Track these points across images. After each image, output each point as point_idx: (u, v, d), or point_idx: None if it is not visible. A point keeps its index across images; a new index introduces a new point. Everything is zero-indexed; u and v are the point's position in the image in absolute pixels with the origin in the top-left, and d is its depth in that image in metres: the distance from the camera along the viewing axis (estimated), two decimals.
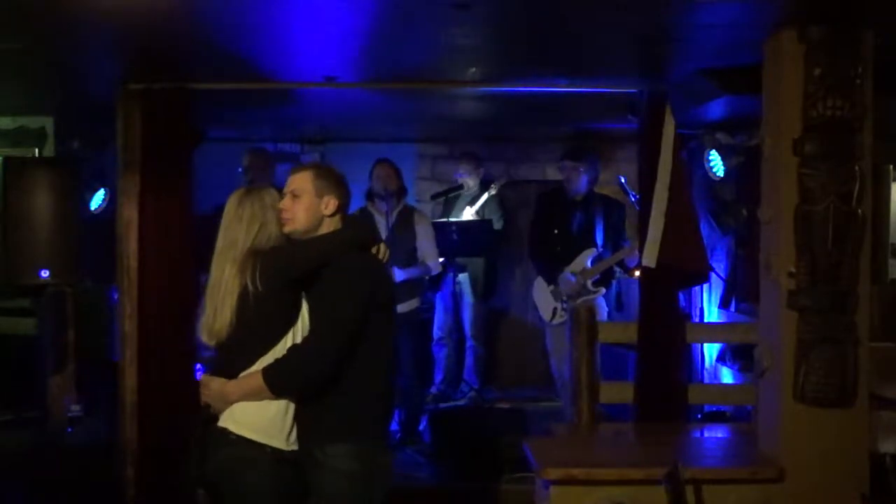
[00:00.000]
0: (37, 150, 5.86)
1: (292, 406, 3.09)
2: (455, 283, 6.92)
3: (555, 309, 6.12)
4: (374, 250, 3.20)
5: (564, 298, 6.05)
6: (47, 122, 5.90)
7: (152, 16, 3.62)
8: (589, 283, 6.09)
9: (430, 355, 7.07)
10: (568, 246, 6.18)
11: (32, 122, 5.88)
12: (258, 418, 3.06)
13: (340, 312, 3.04)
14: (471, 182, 7.19)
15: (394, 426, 6.07)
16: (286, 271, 3.09)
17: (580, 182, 6.18)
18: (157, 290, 4.82)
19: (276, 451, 3.07)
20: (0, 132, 5.88)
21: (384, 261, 3.22)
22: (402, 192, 6.10)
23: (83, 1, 3.42)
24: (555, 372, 6.34)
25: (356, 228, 3.27)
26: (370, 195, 6.07)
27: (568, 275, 6.07)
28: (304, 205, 3.16)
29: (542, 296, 6.23)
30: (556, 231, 6.24)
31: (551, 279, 6.16)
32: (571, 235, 6.20)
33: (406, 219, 6.02)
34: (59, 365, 5.64)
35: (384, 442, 3.21)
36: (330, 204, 3.18)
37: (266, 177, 6.35)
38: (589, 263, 6.14)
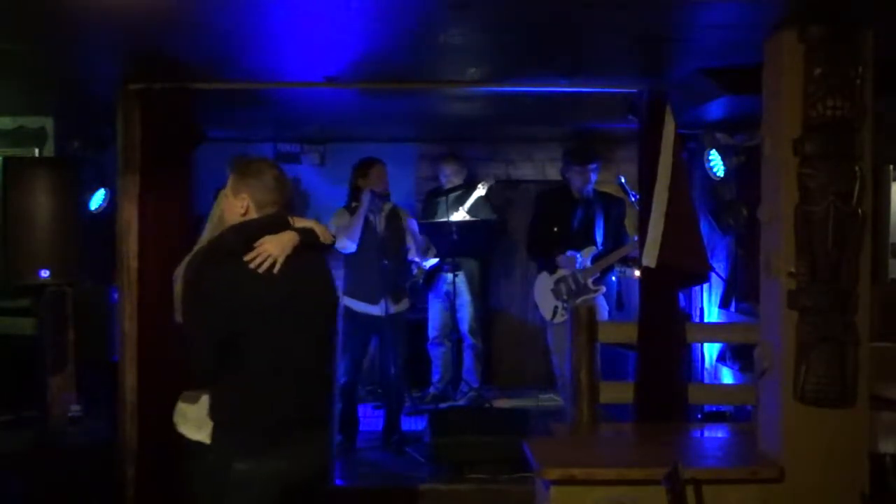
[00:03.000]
0: (37, 150, 5.86)
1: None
2: (447, 283, 6.94)
3: (555, 308, 6.13)
4: (252, 256, 2.97)
5: (565, 297, 6.06)
6: (47, 122, 5.90)
7: (152, 16, 3.62)
8: (589, 281, 6.10)
9: (422, 355, 7.08)
10: (568, 244, 6.19)
11: (32, 122, 5.88)
12: (188, 408, 3.23)
13: (192, 325, 2.99)
14: (455, 181, 7.22)
15: (379, 426, 6.10)
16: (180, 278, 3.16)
17: (589, 183, 6.20)
18: (157, 291, 4.82)
19: (192, 441, 3.19)
20: (0, 132, 5.88)
21: (260, 269, 2.95)
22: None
23: (83, 1, 3.42)
24: (556, 370, 6.35)
25: (217, 238, 3.07)
26: (357, 195, 5.92)
27: (570, 252, 6.08)
28: (227, 204, 3.12)
29: (543, 295, 6.23)
30: (555, 229, 6.25)
31: (552, 268, 6.17)
32: (572, 234, 6.22)
33: (395, 217, 6.04)
34: (59, 365, 5.64)
35: (248, 448, 2.98)
36: (243, 203, 3.06)
37: None
38: (589, 262, 6.15)
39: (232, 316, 2.94)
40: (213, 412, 3.06)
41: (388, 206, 6.04)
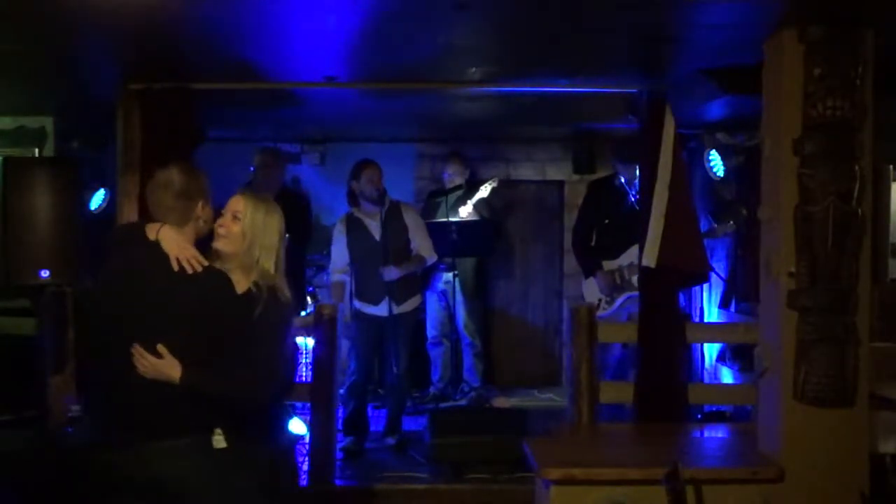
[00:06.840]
0: (37, 150, 5.86)
1: None
2: (444, 282, 6.92)
3: (599, 300, 6.05)
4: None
5: (609, 294, 6.00)
6: (47, 122, 5.90)
7: (152, 16, 3.62)
8: (634, 278, 5.96)
9: (424, 355, 7.07)
10: (619, 235, 6.00)
11: (32, 122, 5.88)
12: None
13: None
14: (458, 180, 7.20)
15: (380, 426, 6.09)
16: None
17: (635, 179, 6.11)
18: None
19: None
20: (0, 132, 5.88)
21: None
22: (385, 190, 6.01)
23: (83, 1, 3.42)
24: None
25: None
26: (354, 198, 5.89)
27: (599, 278, 6.04)
28: None
29: (591, 286, 6.16)
30: (607, 221, 6.15)
31: (589, 273, 6.12)
32: (624, 224, 5.95)
33: (395, 215, 5.94)
34: (59, 365, 5.63)
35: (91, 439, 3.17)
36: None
37: (276, 176, 6.35)
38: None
39: (92, 303, 3.20)
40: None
41: (386, 205, 5.88)
